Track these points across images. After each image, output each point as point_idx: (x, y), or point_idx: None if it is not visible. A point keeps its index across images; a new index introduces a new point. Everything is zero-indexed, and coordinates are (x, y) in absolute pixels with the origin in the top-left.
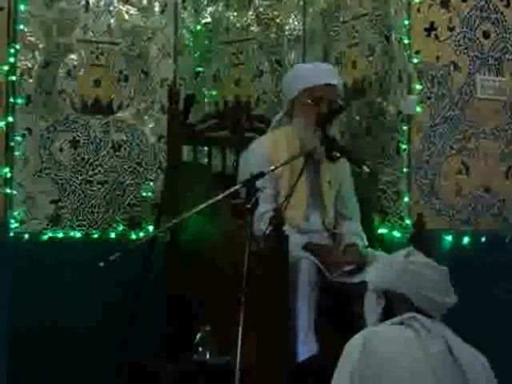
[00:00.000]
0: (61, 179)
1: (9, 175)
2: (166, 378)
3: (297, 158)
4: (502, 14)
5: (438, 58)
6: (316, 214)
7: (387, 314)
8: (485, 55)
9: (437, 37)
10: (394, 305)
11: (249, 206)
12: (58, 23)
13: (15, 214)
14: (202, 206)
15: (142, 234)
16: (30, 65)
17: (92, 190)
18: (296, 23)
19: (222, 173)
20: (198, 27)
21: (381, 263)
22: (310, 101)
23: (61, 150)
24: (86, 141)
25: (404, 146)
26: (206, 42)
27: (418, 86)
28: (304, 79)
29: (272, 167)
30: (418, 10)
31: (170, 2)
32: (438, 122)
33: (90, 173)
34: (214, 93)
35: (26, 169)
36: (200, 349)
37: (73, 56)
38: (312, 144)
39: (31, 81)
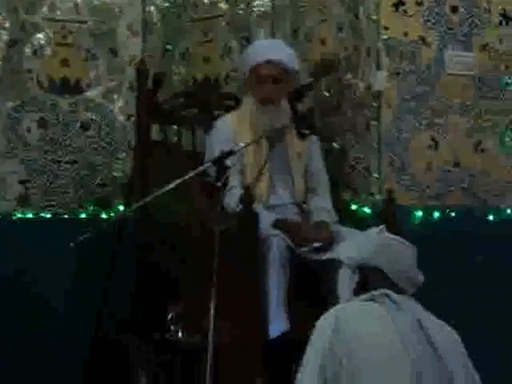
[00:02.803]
0: (29, 159)
1: None
2: (137, 356)
3: (261, 138)
4: None
5: (406, 33)
6: (283, 187)
7: (361, 290)
8: (453, 30)
9: (405, 12)
10: (370, 280)
11: (219, 184)
12: (23, 2)
13: None
14: (172, 184)
15: (112, 214)
16: None
17: (61, 170)
18: (264, 0)
19: (192, 151)
20: (166, 4)
21: (356, 239)
22: (254, 80)
23: (29, 130)
24: (55, 121)
25: (373, 122)
26: (175, 20)
27: (387, 62)
28: (249, 59)
29: (241, 144)
30: None
31: None
32: (407, 98)
33: (59, 153)
34: (183, 71)
35: None
36: (172, 327)
37: (40, 35)
38: (261, 124)
39: None
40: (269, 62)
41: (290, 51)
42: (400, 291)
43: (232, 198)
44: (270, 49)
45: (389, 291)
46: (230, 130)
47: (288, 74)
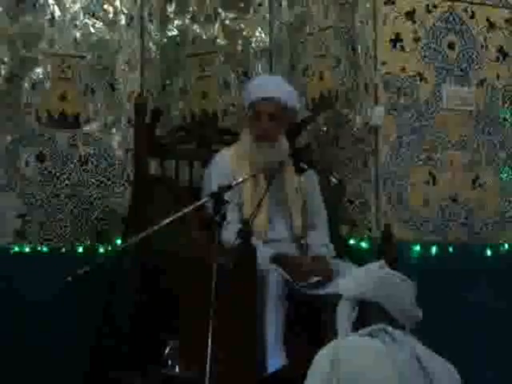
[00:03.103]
0: (27, 193)
1: None
2: None
3: (259, 172)
4: (466, 25)
5: (403, 69)
6: (282, 222)
7: (360, 325)
8: (450, 66)
9: (402, 48)
10: (368, 315)
11: (217, 218)
12: (22, 37)
13: None
14: (170, 218)
15: (109, 248)
16: None
17: (59, 204)
18: (262, 35)
19: (190, 186)
20: (165, 40)
21: (356, 274)
22: (252, 116)
23: (27, 164)
24: (53, 155)
25: (371, 157)
26: (173, 55)
27: (385, 97)
28: (248, 95)
29: (239, 179)
30: (384, 22)
31: (135, 15)
32: (405, 133)
33: (57, 187)
34: (181, 105)
35: None
36: (169, 362)
37: (38, 69)
38: (259, 159)
39: None
40: (267, 98)
41: (289, 88)
42: (399, 327)
43: (229, 233)
44: (268, 85)
45: (387, 326)
46: (228, 165)
47: (286, 111)
